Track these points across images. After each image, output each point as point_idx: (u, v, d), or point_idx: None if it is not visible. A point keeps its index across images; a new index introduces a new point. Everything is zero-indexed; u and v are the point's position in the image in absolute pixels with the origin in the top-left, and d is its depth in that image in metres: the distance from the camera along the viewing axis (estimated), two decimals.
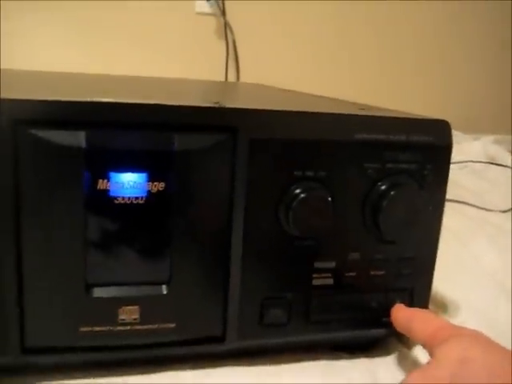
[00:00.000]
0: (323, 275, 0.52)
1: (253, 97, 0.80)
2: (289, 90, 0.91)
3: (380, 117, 0.52)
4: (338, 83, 1.99)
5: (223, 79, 2.00)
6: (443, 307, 0.65)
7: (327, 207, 0.49)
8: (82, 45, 1.89)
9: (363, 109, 0.57)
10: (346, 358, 0.55)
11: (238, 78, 2.03)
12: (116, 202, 0.45)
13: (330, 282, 0.52)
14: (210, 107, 0.47)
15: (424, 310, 0.55)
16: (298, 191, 0.48)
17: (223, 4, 1.97)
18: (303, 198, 0.48)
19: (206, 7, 1.97)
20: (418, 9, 2.27)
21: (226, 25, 1.99)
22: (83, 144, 0.43)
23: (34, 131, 0.43)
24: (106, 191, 0.45)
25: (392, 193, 0.50)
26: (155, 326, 0.48)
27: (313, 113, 0.50)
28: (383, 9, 2.23)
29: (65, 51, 1.86)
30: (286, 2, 2.06)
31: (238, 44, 2.01)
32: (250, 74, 2.02)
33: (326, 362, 0.54)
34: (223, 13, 1.97)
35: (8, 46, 1.75)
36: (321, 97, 0.76)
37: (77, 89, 0.69)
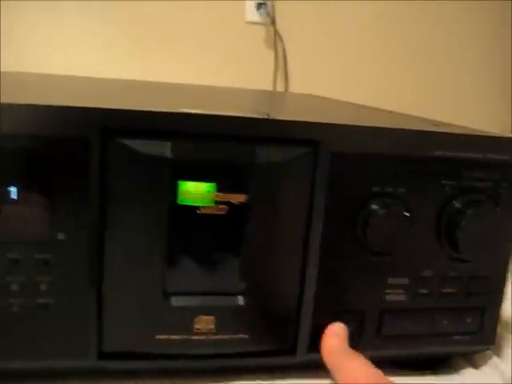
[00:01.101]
0: (396, 291, 0.52)
1: (320, 109, 0.80)
2: (348, 102, 0.91)
3: (458, 134, 0.52)
4: (386, 94, 1.98)
5: (271, 88, 2.00)
6: (506, 327, 0.64)
7: (405, 223, 0.49)
8: (136, 54, 1.92)
9: (436, 125, 0.57)
10: (412, 375, 0.55)
11: (286, 87, 2.03)
12: (197, 212, 0.45)
13: (403, 298, 0.52)
14: (292, 121, 0.48)
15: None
16: (376, 207, 0.48)
17: (273, 13, 1.98)
18: (381, 213, 0.48)
19: (256, 16, 1.98)
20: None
21: (276, 34, 1.99)
22: (168, 154, 0.44)
23: (121, 140, 0.43)
24: (188, 201, 0.45)
25: (470, 211, 0.50)
26: (229, 337, 0.48)
27: (393, 129, 0.50)
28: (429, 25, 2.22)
29: (118, 60, 1.89)
30: (336, 12, 2.06)
31: (287, 53, 2.02)
32: (298, 83, 2.02)
33: (393, 377, 0.54)
34: (273, 22, 1.98)
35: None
36: (390, 112, 0.75)
37: (146, 98, 0.70)
